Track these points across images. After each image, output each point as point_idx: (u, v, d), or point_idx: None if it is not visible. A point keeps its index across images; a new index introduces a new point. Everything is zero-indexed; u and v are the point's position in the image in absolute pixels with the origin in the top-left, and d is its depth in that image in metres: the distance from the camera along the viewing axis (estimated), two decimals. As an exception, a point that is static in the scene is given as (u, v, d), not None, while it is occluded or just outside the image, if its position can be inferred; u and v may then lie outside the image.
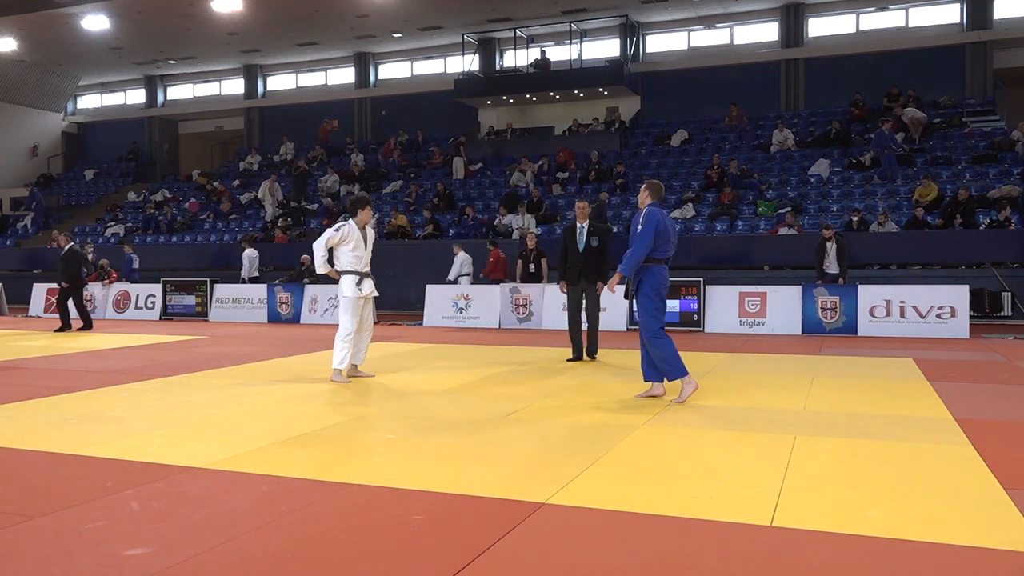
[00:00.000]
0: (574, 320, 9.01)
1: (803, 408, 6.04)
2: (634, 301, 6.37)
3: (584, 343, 9.03)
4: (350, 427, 5.46)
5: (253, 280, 17.11)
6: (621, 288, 6.68)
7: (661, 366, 6.27)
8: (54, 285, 17.69)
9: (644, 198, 6.43)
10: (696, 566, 2.98)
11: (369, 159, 24.54)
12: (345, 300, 7.48)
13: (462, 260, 15.33)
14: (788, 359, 9.17)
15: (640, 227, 6.18)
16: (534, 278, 14.02)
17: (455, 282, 15.05)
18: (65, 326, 13.64)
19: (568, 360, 8.93)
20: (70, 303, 13.76)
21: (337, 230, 7.45)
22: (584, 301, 8.96)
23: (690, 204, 17.66)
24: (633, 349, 10.14)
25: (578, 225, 8.93)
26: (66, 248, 13.92)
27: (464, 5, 22.40)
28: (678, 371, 6.20)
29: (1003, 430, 5.29)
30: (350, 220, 7.58)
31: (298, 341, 11.46)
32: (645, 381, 6.50)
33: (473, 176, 22.25)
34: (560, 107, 24.67)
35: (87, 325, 13.78)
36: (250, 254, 17.42)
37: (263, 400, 6.50)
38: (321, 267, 7.45)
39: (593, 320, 9.00)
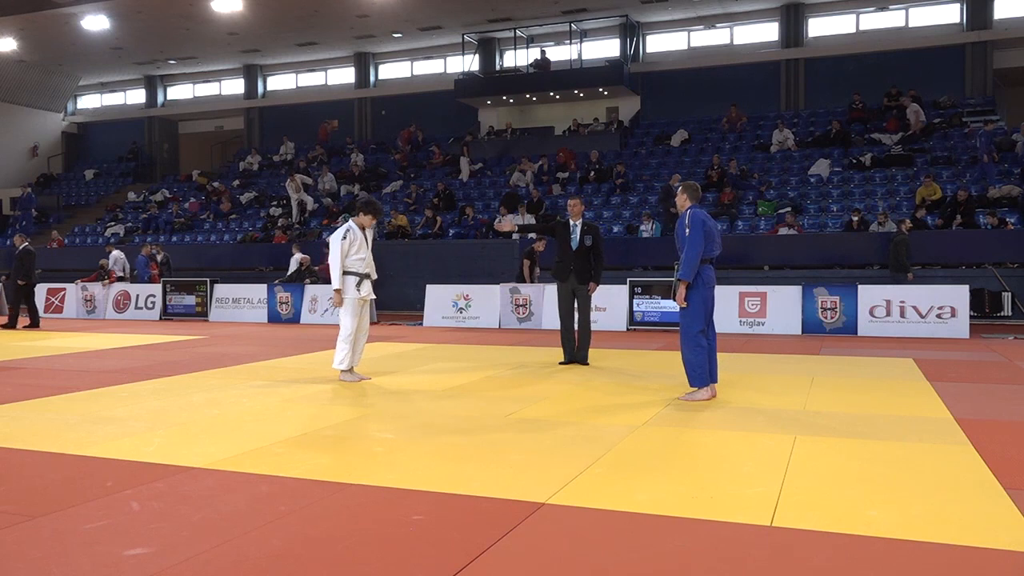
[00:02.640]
0: (565, 323, 8.64)
1: (803, 408, 6.04)
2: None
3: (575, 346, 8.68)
4: (350, 427, 5.46)
5: (120, 279, 17.71)
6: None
7: (686, 368, 6.34)
8: (54, 285, 17.75)
9: (683, 201, 6.46)
10: (696, 566, 2.98)
11: (369, 159, 24.55)
12: (346, 301, 7.47)
13: (299, 260, 16.46)
14: (788, 359, 9.17)
15: (688, 230, 6.21)
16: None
17: (292, 280, 16.27)
18: (34, 323, 14.13)
19: (560, 363, 8.63)
20: (12, 298, 14.35)
21: (344, 238, 7.37)
22: (575, 301, 8.62)
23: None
24: (635, 350, 10.15)
25: (571, 222, 8.65)
26: (20, 248, 14.32)
27: (464, 5, 22.40)
28: (699, 379, 6.30)
29: (1003, 430, 5.29)
30: (350, 221, 7.53)
31: (298, 341, 11.46)
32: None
33: (473, 176, 22.26)
34: (560, 107, 24.67)
35: (35, 323, 14.17)
36: (116, 255, 17.93)
37: (263, 400, 6.50)
38: (339, 282, 7.38)
39: (584, 322, 8.63)
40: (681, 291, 6.26)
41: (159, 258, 17.55)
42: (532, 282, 14.24)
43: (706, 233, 6.22)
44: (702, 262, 6.26)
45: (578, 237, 8.60)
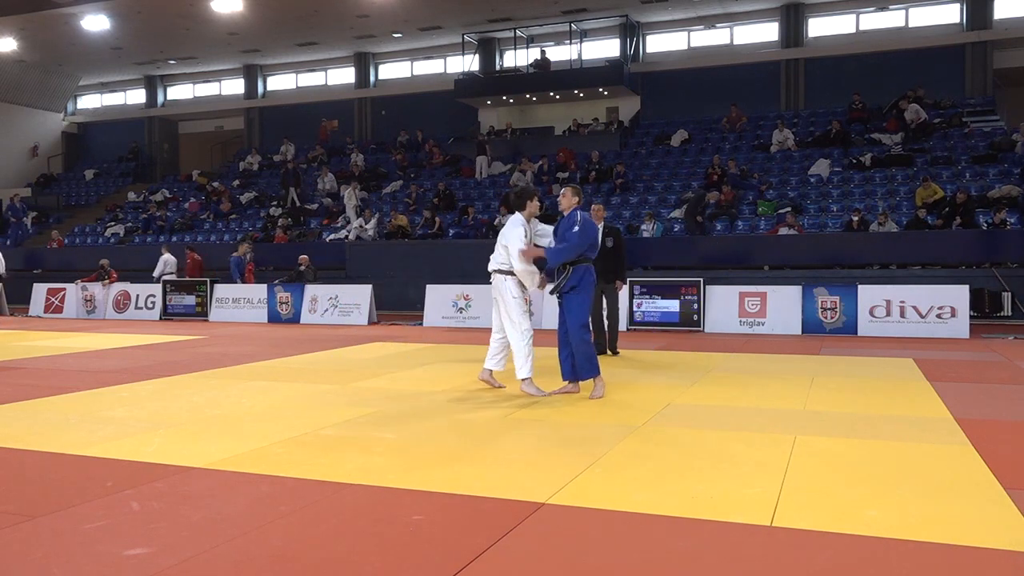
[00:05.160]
0: (595, 321, 9.34)
1: (803, 408, 6.04)
2: (564, 297, 6.55)
3: (606, 338, 9.48)
4: (350, 427, 5.46)
5: None
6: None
7: (584, 363, 6.45)
8: (54, 285, 17.76)
9: (572, 202, 6.62)
10: (696, 566, 2.98)
11: (369, 159, 24.56)
12: (515, 300, 6.83)
13: (166, 260, 17.41)
14: (788, 359, 9.16)
15: (577, 228, 6.40)
16: None
17: (158, 280, 16.98)
18: None
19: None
20: None
21: (522, 226, 6.69)
22: (604, 300, 9.42)
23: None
24: (635, 349, 10.14)
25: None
26: None
27: (464, 5, 22.40)
28: (594, 368, 6.48)
29: (1003, 430, 5.29)
30: (518, 215, 6.80)
31: (298, 341, 11.46)
32: (565, 380, 6.69)
33: (472, 176, 22.27)
34: (560, 107, 24.66)
35: None
36: None
37: (263, 400, 6.50)
38: (523, 262, 6.60)
39: (613, 317, 9.51)
40: (540, 278, 6.55)
41: (248, 256, 17.28)
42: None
43: (591, 238, 6.53)
44: (588, 262, 6.52)
45: (600, 240, 9.07)
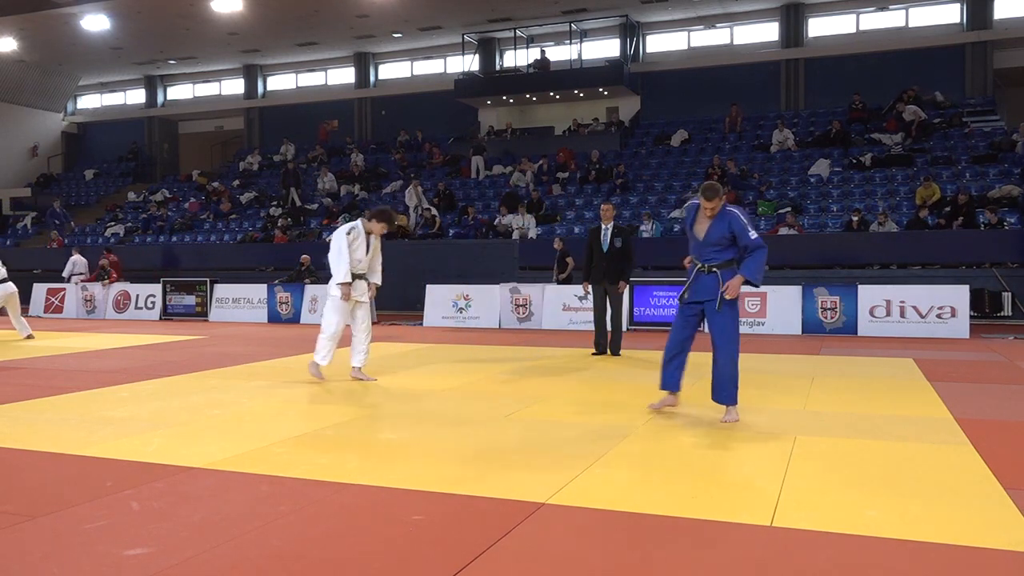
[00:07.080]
0: (599, 320, 9.50)
1: (803, 408, 6.05)
2: (721, 307, 5.59)
3: (608, 339, 9.48)
4: (350, 427, 5.46)
5: None
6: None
7: (729, 385, 5.58)
8: (54, 285, 17.76)
9: (722, 199, 5.53)
10: (696, 566, 2.98)
11: (369, 159, 24.56)
12: (332, 299, 7.43)
13: (74, 261, 17.92)
14: (788, 359, 9.16)
15: (752, 232, 5.47)
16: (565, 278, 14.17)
17: (68, 280, 17.69)
18: None
19: (592, 354, 9.43)
20: None
21: (349, 233, 7.38)
22: (608, 300, 9.39)
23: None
24: (636, 349, 10.13)
25: (602, 227, 9.35)
26: None
27: (464, 5, 22.40)
28: (736, 397, 5.62)
29: (1003, 430, 5.29)
30: (359, 222, 7.52)
31: (298, 341, 11.45)
32: (673, 389, 5.81)
33: (472, 176, 22.27)
34: (560, 107, 24.66)
35: None
36: None
37: (263, 400, 6.50)
38: (345, 275, 7.28)
39: (616, 319, 9.46)
40: (737, 283, 5.51)
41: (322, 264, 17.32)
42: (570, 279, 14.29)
43: None
44: (728, 265, 5.61)
45: (608, 240, 9.26)
